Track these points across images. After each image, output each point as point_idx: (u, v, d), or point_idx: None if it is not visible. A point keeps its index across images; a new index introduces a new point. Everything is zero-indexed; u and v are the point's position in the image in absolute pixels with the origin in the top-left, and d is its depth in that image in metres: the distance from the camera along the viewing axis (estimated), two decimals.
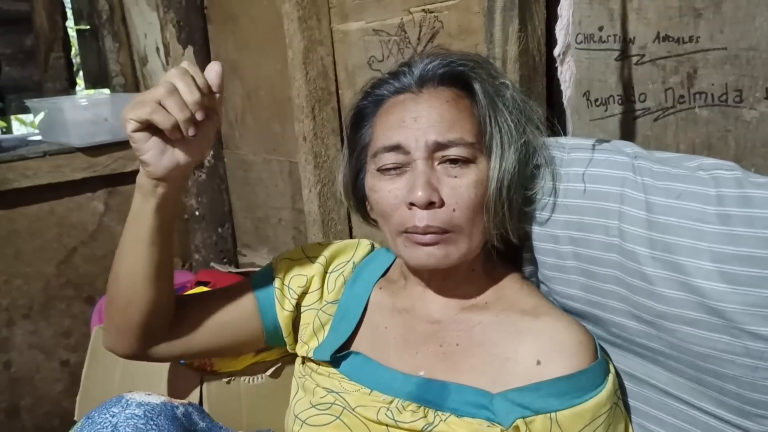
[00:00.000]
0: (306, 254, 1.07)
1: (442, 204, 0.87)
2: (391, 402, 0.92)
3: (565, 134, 1.03)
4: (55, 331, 2.08)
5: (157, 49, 2.20)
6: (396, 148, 0.89)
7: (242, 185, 2.07)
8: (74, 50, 2.85)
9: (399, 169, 0.90)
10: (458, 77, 0.92)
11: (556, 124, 1.01)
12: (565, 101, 0.99)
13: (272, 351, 1.27)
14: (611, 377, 0.87)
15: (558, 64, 0.96)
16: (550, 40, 1.08)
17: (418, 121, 0.89)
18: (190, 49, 1.99)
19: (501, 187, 0.88)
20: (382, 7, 1.40)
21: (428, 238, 0.88)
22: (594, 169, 0.92)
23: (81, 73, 2.74)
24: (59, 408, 2.08)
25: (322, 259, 1.06)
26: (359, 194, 0.99)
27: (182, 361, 1.34)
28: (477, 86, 0.91)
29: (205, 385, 1.13)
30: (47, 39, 2.37)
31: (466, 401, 0.87)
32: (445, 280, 0.96)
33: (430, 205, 0.87)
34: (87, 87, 2.61)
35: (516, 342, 0.89)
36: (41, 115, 2.14)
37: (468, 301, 0.96)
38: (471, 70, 0.92)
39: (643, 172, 0.87)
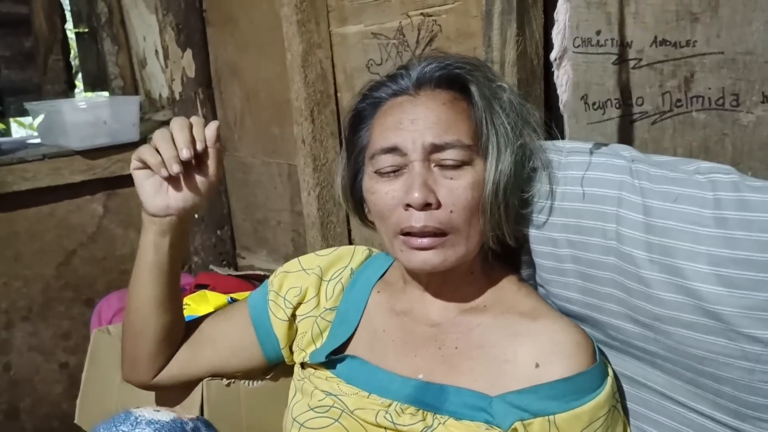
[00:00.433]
0: (302, 266, 1.09)
1: (438, 205, 0.87)
2: (389, 405, 0.92)
3: (562, 138, 1.03)
4: (54, 333, 2.08)
5: (156, 51, 2.21)
6: (393, 149, 0.90)
7: (241, 187, 2.07)
8: (73, 53, 2.85)
9: (396, 171, 0.90)
10: (455, 80, 0.93)
11: (553, 127, 1.02)
12: (561, 105, 0.99)
13: None
14: (609, 380, 0.87)
15: (555, 68, 0.97)
16: (548, 44, 1.08)
17: (415, 123, 0.89)
18: (189, 52, 2.00)
19: (497, 189, 0.88)
20: (381, 11, 1.41)
21: (426, 242, 0.88)
22: (592, 172, 0.92)
23: (80, 75, 2.74)
24: (59, 410, 2.09)
25: (317, 269, 1.07)
26: (357, 196, 1.00)
27: None
28: (474, 88, 0.91)
29: (205, 388, 1.13)
30: (46, 41, 2.38)
31: (465, 404, 0.88)
32: (443, 283, 0.96)
33: (426, 206, 0.87)
34: (86, 90, 2.61)
35: (515, 344, 0.89)
36: (40, 118, 2.14)
37: (467, 303, 0.96)
38: (468, 73, 0.92)
39: (641, 176, 0.88)
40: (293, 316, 1.06)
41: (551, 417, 0.83)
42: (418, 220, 0.87)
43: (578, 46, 1.11)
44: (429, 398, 0.90)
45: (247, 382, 1.16)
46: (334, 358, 1.00)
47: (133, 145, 2.04)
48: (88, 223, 2.11)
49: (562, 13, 0.94)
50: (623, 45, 1.07)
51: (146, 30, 2.25)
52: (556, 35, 0.95)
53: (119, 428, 0.83)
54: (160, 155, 0.92)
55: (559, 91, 0.98)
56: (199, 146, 0.93)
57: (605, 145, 0.95)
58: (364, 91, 0.99)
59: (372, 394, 0.94)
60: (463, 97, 0.92)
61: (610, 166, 0.91)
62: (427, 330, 0.96)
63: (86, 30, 2.48)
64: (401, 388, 0.93)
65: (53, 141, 2.09)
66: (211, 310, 1.36)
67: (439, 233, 0.88)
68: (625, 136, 1.10)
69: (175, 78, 2.02)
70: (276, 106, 1.81)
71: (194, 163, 0.96)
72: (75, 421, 1.39)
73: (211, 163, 0.96)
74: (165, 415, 0.86)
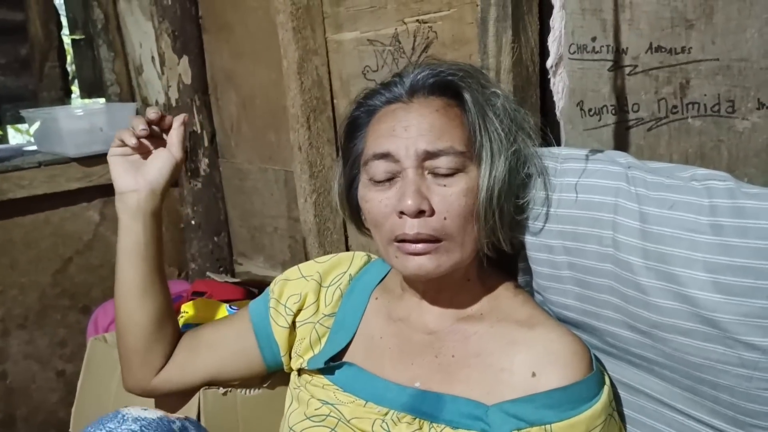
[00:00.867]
0: (302, 273, 1.10)
1: (432, 212, 0.87)
2: (386, 414, 0.91)
3: (558, 144, 1.03)
4: (50, 341, 2.07)
5: (153, 58, 2.20)
6: (386, 156, 0.90)
7: (238, 194, 2.06)
8: (69, 59, 2.84)
9: (390, 180, 0.90)
10: (448, 86, 0.92)
11: (549, 134, 1.02)
12: (558, 112, 0.99)
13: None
14: (606, 389, 0.87)
15: (551, 75, 0.97)
16: (544, 51, 1.08)
17: (408, 130, 0.89)
18: (185, 59, 1.99)
19: (491, 195, 0.88)
20: (377, 18, 1.41)
21: (420, 247, 0.88)
22: (588, 179, 0.92)
23: (76, 82, 2.73)
24: (55, 418, 2.08)
25: (316, 275, 1.08)
26: (354, 204, 1.00)
27: None
28: (467, 95, 0.91)
29: (202, 397, 1.12)
30: (42, 48, 2.37)
31: (461, 413, 0.87)
32: (440, 291, 0.96)
33: (420, 213, 0.87)
34: (82, 96, 2.60)
35: (511, 353, 0.89)
36: (36, 125, 2.14)
37: (463, 311, 0.96)
38: (461, 80, 0.92)
39: (637, 183, 0.88)
40: (293, 323, 1.07)
41: (547, 426, 0.82)
42: (412, 227, 0.87)
43: (574, 52, 1.11)
44: (425, 407, 0.90)
45: (243, 390, 1.16)
46: (332, 365, 1.00)
47: None
48: (85, 231, 2.10)
49: (557, 20, 0.95)
50: (618, 51, 1.07)
51: (142, 37, 2.24)
52: (552, 42, 0.95)
53: (106, 425, 0.84)
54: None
55: (555, 99, 0.98)
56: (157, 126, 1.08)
57: (601, 151, 0.95)
58: (359, 98, 0.99)
59: (369, 402, 0.94)
60: (456, 104, 0.92)
61: (606, 173, 0.91)
62: (424, 338, 0.96)
63: (82, 37, 2.47)
64: (398, 397, 0.92)
65: (49, 148, 2.08)
66: (209, 317, 1.36)
67: (432, 240, 0.88)
68: (621, 142, 1.10)
69: (172, 85, 2.02)
70: (272, 112, 1.81)
71: (157, 145, 1.08)
72: (71, 430, 1.39)
73: (175, 143, 1.08)
74: (152, 413, 0.87)
